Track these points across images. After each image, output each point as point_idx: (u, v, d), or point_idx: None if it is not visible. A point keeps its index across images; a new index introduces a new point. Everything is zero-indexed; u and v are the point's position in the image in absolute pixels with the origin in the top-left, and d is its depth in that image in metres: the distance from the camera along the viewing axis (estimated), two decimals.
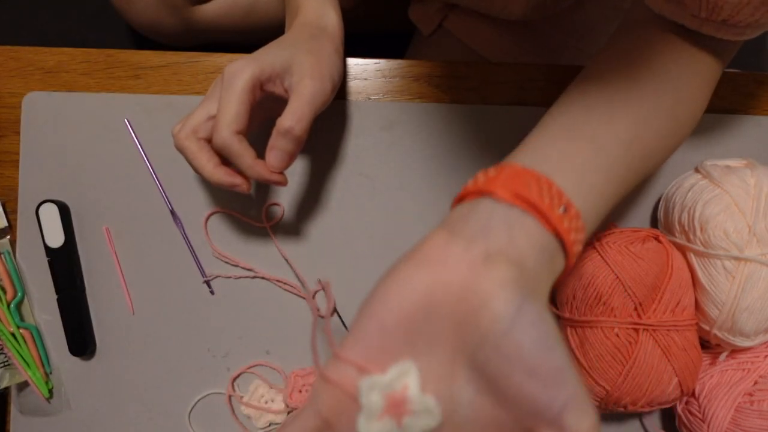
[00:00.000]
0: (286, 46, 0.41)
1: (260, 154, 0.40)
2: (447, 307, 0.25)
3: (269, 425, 0.49)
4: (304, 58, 0.40)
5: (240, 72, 0.38)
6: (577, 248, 0.29)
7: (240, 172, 0.41)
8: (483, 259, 0.25)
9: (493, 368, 0.24)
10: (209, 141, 0.40)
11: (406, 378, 0.25)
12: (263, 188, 0.50)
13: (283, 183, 0.42)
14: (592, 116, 0.34)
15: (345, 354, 0.26)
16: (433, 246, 0.26)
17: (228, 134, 0.38)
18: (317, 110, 0.40)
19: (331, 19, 0.44)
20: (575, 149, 0.32)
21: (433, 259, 0.25)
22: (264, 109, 0.42)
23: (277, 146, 0.40)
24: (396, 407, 0.25)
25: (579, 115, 0.34)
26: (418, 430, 0.25)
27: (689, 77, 0.37)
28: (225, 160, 0.41)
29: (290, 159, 0.41)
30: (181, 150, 0.40)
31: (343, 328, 0.49)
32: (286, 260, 0.49)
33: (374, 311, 0.25)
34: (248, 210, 0.50)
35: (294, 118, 0.39)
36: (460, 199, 0.29)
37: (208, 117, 0.40)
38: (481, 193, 0.28)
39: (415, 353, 0.25)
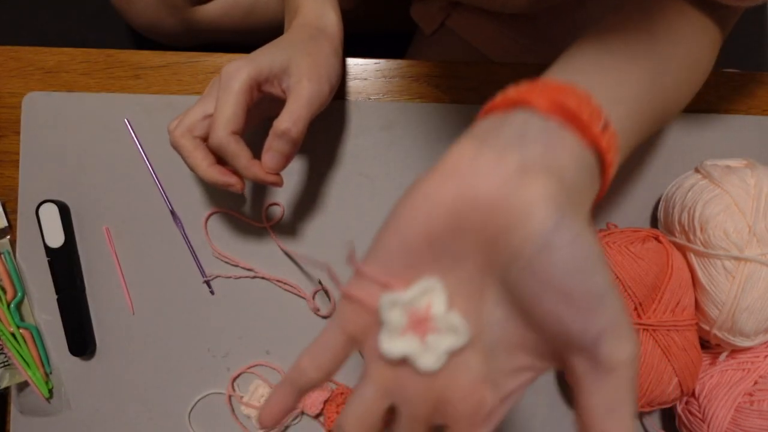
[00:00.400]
0: (284, 47, 0.41)
1: (257, 153, 0.40)
2: (476, 223, 0.23)
3: None
4: (302, 60, 0.40)
5: (237, 72, 0.38)
6: (612, 171, 0.27)
7: (235, 172, 0.41)
8: (517, 171, 0.22)
9: (524, 290, 0.22)
10: (205, 139, 0.41)
11: (431, 295, 0.24)
12: (263, 188, 0.50)
13: (279, 184, 0.42)
14: (614, 55, 0.32)
15: (366, 270, 0.24)
16: (461, 157, 0.23)
17: (224, 135, 0.38)
18: (314, 112, 0.40)
19: (331, 20, 0.44)
20: (602, 80, 0.30)
21: (462, 170, 0.23)
22: (261, 109, 0.42)
23: (274, 147, 0.40)
24: (419, 325, 0.24)
25: (601, 52, 0.32)
26: (444, 349, 0.24)
27: (699, 34, 0.37)
28: (220, 158, 0.41)
29: (286, 160, 0.41)
30: (176, 147, 0.41)
31: None
32: (287, 254, 0.49)
33: (397, 226, 0.24)
34: (248, 210, 0.50)
35: (291, 120, 0.39)
36: (488, 111, 0.26)
37: (205, 116, 0.40)
38: (513, 104, 0.25)
39: (441, 271, 0.24)
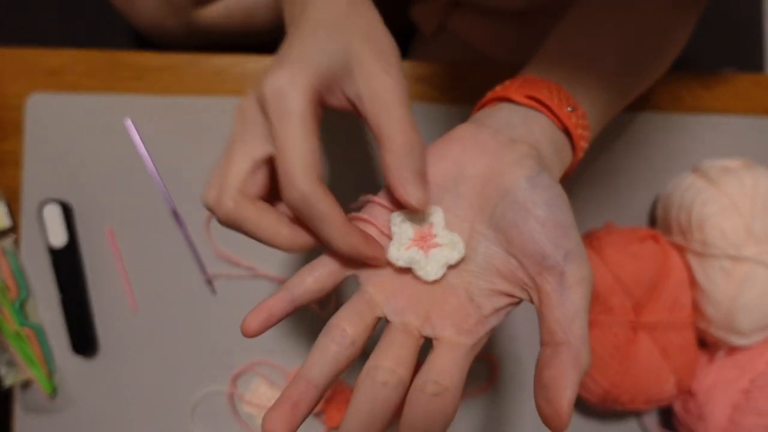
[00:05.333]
0: (329, 32, 0.29)
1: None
2: (475, 173, 0.29)
3: None
4: (362, 47, 0.29)
5: (292, 87, 0.26)
6: (583, 144, 0.34)
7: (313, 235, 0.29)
8: (509, 141, 0.30)
9: (509, 219, 0.28)
10: (265, 198, 0.29)
11: (433, 218, 0.29)
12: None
13: (382, 262, 0.29)
14: (586, 38, 0.38)
15: (377, 199, 0.30)
16: (465, 131, 0.31)
17: (309, 183, 0.26)
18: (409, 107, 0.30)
19: None
20: (575, 64, 0.36)
21: (466, 139, 0.30)
22: None
23: (409, 167, 0.28)
24: (424, 239, 0.29)
25: (577, 35, 0.38)
26: (443, 261, 0.28)
27: (674, 5, 0.40)
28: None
29: (425, 179, 0.29)
30: (233, 223, 0.28)
31: None
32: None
33: None
34: None
35: (403, 130, 0.28)
36: (481, 107, 0.34)
37: (254, 164, 0.28)
38: (500, 99, 0.33)
39: (442, 207, 0.30)
